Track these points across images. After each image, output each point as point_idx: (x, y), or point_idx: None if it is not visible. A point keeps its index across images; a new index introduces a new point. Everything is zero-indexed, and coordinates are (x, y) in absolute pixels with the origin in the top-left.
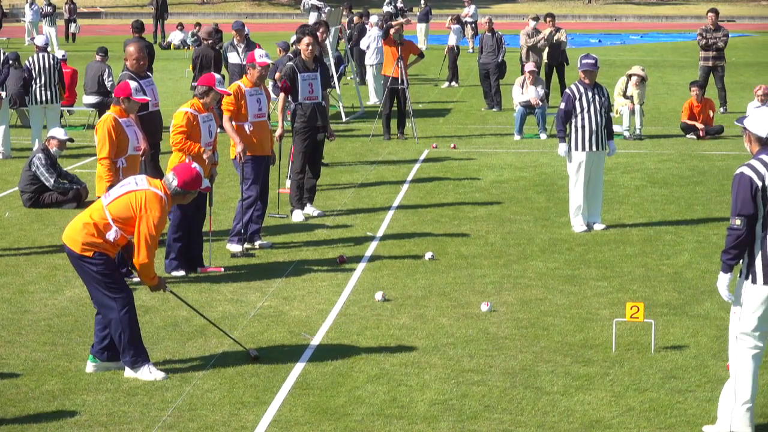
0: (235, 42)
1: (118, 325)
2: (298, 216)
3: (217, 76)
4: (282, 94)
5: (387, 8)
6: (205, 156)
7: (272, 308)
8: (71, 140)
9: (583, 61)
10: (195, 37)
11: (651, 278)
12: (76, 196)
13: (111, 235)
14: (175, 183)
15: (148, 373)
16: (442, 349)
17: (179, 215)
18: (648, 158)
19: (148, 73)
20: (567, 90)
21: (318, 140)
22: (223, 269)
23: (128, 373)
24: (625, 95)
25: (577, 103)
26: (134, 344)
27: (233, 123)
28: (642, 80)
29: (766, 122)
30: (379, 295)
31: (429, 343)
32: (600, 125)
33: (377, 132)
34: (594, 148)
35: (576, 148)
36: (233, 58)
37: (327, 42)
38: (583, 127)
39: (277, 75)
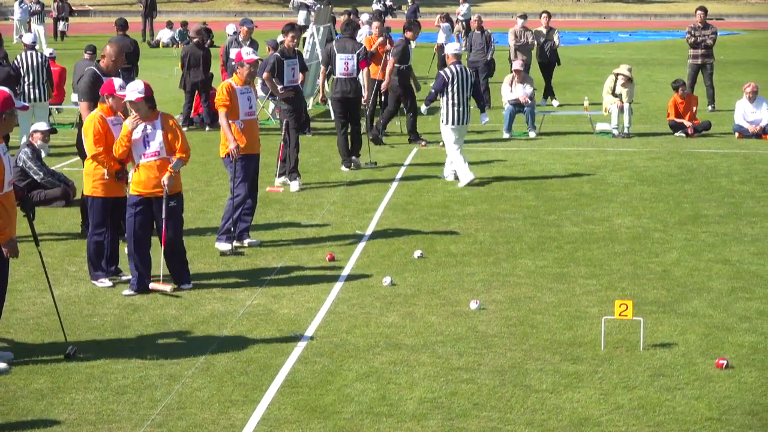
0: (241, 39)
1: None
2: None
3: (117, 81)
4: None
5: (376, 6)
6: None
7: (261, 306)
8: (54, 131)
9: (456, 46)
10: (186, 38)
11: (640, 276)
12: (64, 194)
13: None
14: None
15: None
16: (431, 347)
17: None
18: (636, 156)
19: (119, 71)
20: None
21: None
22: (170, 288)
23: None
24: (614, 93)
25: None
26: None
27: (228, 121)
28: (629, 80)
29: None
30: (387, 280)
31: (418, 341)
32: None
33: (363, 131)
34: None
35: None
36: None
37: (316, 40)
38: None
39: (265, 75)
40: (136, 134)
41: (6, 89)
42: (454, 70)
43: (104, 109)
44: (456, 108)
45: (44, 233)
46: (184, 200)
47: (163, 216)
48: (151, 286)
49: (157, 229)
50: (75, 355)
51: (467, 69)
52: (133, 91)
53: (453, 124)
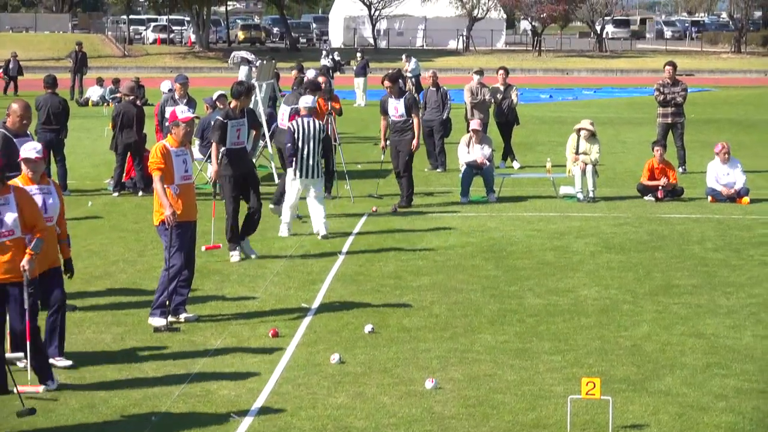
0: (177, 96)
1: None
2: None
3: None
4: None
5: (324, 61)
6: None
7: (199, 387)
8: None
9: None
10: (117, 95)
11: (608, 351)
12: None
13: None
14: None
15: None
16: (384, 430)
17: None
18: (603, 222)
19: (28, 132)
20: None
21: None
22: (41, 389)
23: None
24: (577, 152)
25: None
26: None
27: (163, 185)
28: (592, 135)
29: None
30: (335, 358)
31: (369, 424)
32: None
33: None
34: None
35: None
36: None
37: (258, 98)
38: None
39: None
40: None
41: None
42: (298, 123)
43: (24, 179)
44: (302, 161)
45: None
46: (111, 271)
47: (26, 306)
48: (19, 389)
49: (11, 320)
50: None
51: (317, 122)
52: (32, 150)
53: (299, 176)
